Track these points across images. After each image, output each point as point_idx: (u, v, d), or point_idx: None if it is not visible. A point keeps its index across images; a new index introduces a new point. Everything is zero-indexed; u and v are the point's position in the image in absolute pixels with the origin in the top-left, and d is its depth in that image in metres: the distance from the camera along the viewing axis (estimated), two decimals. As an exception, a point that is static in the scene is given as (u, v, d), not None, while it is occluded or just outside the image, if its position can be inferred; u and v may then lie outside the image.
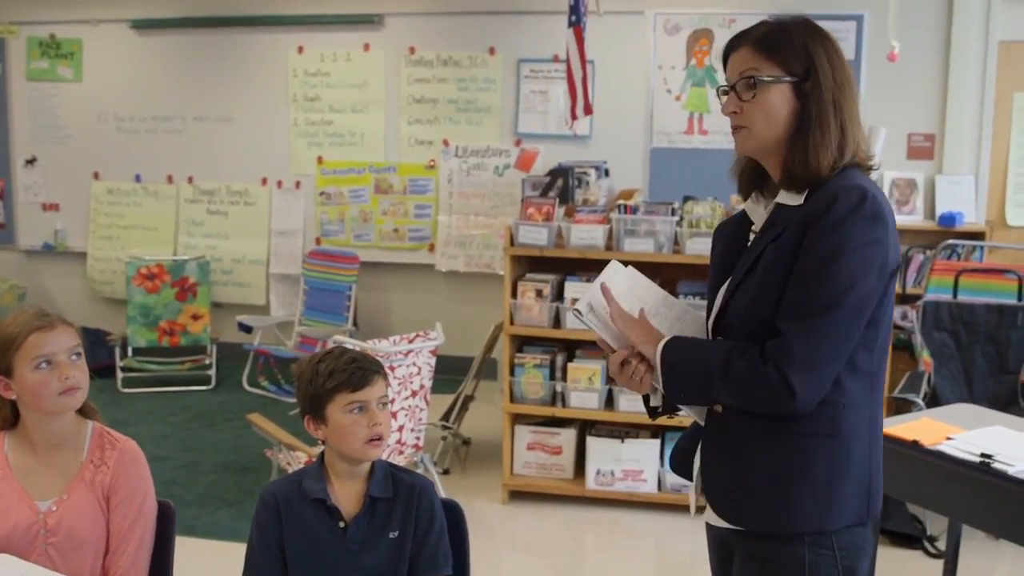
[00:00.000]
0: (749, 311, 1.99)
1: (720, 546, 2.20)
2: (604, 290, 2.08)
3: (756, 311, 1.97)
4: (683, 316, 2.18)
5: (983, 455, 2.98)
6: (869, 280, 1.91)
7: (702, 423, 2.14)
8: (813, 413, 1.95)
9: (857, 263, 1.89)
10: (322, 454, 2.40)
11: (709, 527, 2.20)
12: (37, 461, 2.43)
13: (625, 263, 2.18)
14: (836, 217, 1.89)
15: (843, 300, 1.89)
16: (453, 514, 2.48)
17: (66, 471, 2.43)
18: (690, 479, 2.25)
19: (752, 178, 2.14)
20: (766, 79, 1.98)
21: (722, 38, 6.67)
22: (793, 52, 1.98)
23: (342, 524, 2.31)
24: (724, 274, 2.14)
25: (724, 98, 2.06)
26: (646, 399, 2.20)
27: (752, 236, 2.12)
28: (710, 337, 2.11)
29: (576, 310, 2.07)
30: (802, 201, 1.97)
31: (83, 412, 2.50)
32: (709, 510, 2.16)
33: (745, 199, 2.18)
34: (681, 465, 2.28)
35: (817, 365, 1.90)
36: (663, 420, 2.28)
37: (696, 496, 2.18)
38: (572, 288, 4.88)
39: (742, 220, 2.18)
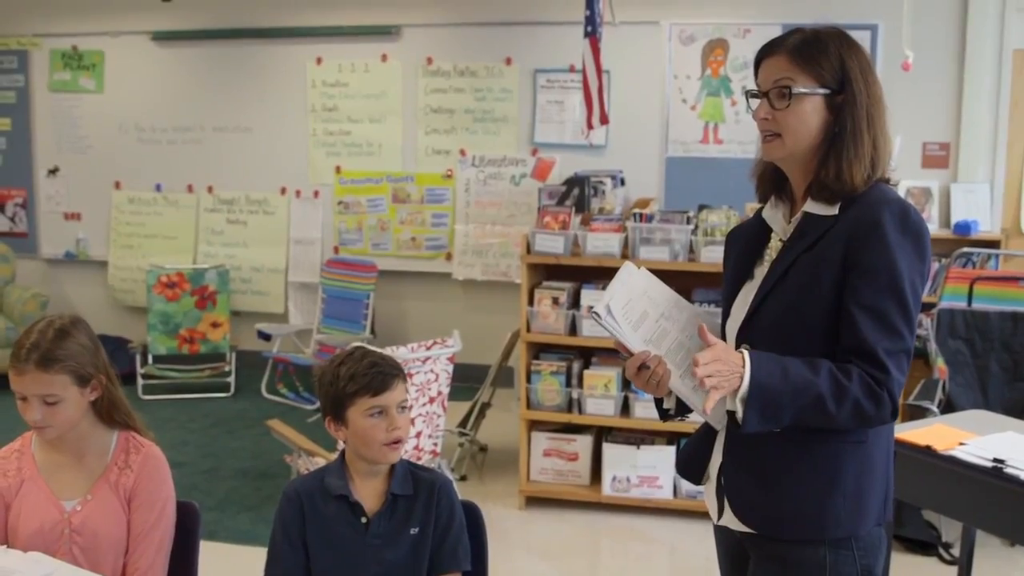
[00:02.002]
0: (782, 318, 2.00)
1: (734, 549, 2.21)
2: (702, 333, 1.97)
3: (790, 318, 1.99)
4: (694, 319, 2.17)
5: (995, 460, 3.01)
6: (919, 294, 1.97)
7: (719, 428, 2.15)
8: None
9: (915, 282, 1.95)
10: (343, 452, 2.44)
11: (721, 530, 2.21)
12: (63, 461, 2.49)
13: (651, 271, 2.19)
14: (893, 238, 1.92)
15: (912, 318, 1.95)
16: (472, 515, 2.52)
17: (91, 473, 2.48)
18: (697, 482, 2.26)
19: (771, 183, 2.16)
20: (802, 90, 1.99)
21: (737, 48, 6.71)
22: (829, 64, 2.00)
23: (364, 520, 2.35)
24: (740, 278, 2.17)
25: (753, 102, 2.07)
26: (659, 401, 2.20)
27: (774, 242, 2.13)
28: (732, 341, 2.10)
29: (595, 313, 2.04)
30: (836, 212, 2.00)
31: (106, 422, 2.53)
32: (713, 510, 2.18)
33: (763, 203, 2.20)
34: (688, 468, 2.28)
35: (903, 383, 1.95)
36: (679, 427, 2.29)
37: (715, 500, 2.18)
38: (588, 296, 4.92)
39: (757, 224, 2.19)
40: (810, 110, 2.00)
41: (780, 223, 2.13)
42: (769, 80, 2.03)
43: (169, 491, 2.55)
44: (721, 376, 1.89)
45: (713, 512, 2.21)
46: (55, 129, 8.16)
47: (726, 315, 2.19)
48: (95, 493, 2.46)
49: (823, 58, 2.00)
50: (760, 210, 2.22)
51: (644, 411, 4.87)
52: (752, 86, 2.12)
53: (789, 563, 2.05)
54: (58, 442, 2.47)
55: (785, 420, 1.93)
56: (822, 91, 2.00)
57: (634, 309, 2.08)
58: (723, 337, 2.18)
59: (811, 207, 2.05)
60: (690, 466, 2.27)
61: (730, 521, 2.12)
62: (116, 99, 8.02)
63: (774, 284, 2.03)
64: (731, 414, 2.06)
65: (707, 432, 2.23)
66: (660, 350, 2.06)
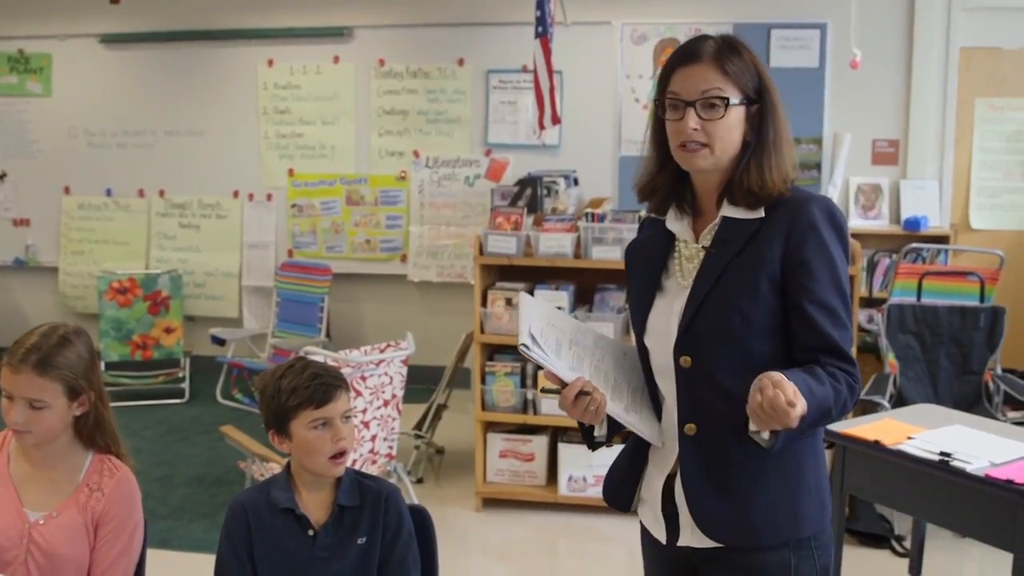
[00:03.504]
0: (725, 323, 1.96)
1: (678, 567, 2.14)
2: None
3: (734, 322, 1.95)
4: (599, 342, 2.14)
5: (942, 453, 3.05)
6: (849, 283, 2.01)
7: (658, 444, 2.09)
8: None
9: (847, 273, 1.99)
10: (288, 464, 2.42)
11: (662, 550, 2.13)
12: (34, 471, 2.44)
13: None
14: (827, 234, 1.95)
15: (850, 308, 1.99)
16: (421, 520, 2.51)
17: (61, 489, 2.44)
18: (626, 509, 2.19)
19: (670, 192, 2.10)
20: (735, 101, 1.97)
21: (688, 47, 6.73)
22: (748, 73, 1.99)
23: (311, 532, 2.33)
24: (651, 292, 2.11)
25: (670, 112, 2.00)
26: (587, 430, 2.13)
27: (688, 251, 2.08)
28: (672, 353, 2.03)
29: (523, 346, 1.93)
30: (761, 215, 1.99)
31: (85, 442, 2.48)
32: (662, 532, 2.11)
33: (658, 213, 2.14)
34: (617, 496, 2.22)
35: None
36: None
37: (662, 523, 2.11)
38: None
39: (658, 236, 2.14)
40: (735, 120, 1.98)
41: (688, 232, 2.09)
42: (695, 90, 1.97)
43: (139, 517, 2.52)
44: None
45: (660, 535, 2.13)
46: (2, 134, 8.03)
47: (641, 331, 2.12)
48: (61, 511, 2.41)
49: (744, 67, 1.99)
50: (652, 221, 2.18)
51: (599, 411, 4.87)
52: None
53: (754, 571, 2.02)
54: (32, 451, 2.43)
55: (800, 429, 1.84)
56: (746, 101, 1.99)
57: (548, 338, 2.01)
58: (643, 351, 2.12)
59: (731, 212, 2.02)
60: (619, 493, 2.21)
61: (691, 540, 2.05)
62: (65, 103, 7.91)
63: (708, 291, 1.99)
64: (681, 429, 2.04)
65: (633, 454, 2.18)
66: (584, 376, 2.00)
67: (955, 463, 3.00)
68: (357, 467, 2.55)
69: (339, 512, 2.35)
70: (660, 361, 2.08)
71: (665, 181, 2.10)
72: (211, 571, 2.41)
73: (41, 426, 2.37)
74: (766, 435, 1.85)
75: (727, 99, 1.96)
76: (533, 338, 1.94)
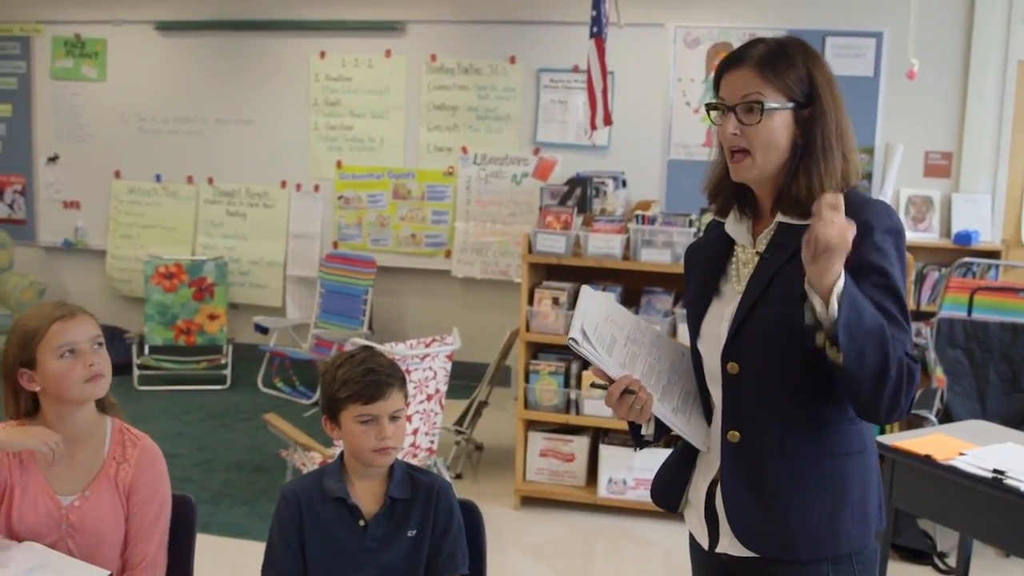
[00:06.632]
0: (772, 330, 1.93)
1: (720, 573, 2.13)
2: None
3: (780, 329, 1.92)
4: (657, 341, 2.13)
5: (995, 471, 3.00)
6: (906, 290, 1.94)
7: (704, 449, 2.08)
8: (844, 432, 1.96)
9: (904, 279, 1.92)
10: (342, 453, 2.43)
11: (706, 555, 2.13)
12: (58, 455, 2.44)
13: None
14: (881, 238, 1.89)
15: (908, 315, 1.91)
16: (471, 515, 2.50)
17: (88, 467, 2.45)
18: (674, 510, 2.19)
19: (732, 195, 2.08)
20: (773, 105, 1.93)
21: (742, 52, 6.70)
22: (796, 77, 1.94)
23: (362, 523, 2.33)
24: (707, 296, 2.10)
25: (715, 115, 2.00)
26: (635, 429, 2.13)
27: (744, 256, 2.06)
28: (720, 358, 2.02)
29: (571, 340, 1.94)
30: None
31: (102, 408, 2.51)
32: (705, 537, 2.10)
33: (721, 215, 2.13)
34: (665, 496, 2.21)
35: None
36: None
37: (704, 526, 2.10)
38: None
39: (718, 240, 2.12)
40: (779, 125, 1.94)
41: (747, 236, 2.07)
42: (736, 94, 1.95)
43: (167, 485, 2.54)
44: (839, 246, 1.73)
45: (702, 539, 2.12)
46: (56, 116, 8.15)
47: (695, 334, 2.11)
48: (94, 489, 2.42)
49: (791, 71, 1.94)
50: (715, 224, 2.16)
51: (642, 414, 4.85)
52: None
53: None
54: (57, 429, 2.41)
55: (860, 332, 1.76)
56: (791, 105, 1.94)
57: (603, 334, 2.00)
58: (696, 355, 2.11)
59: (785, 218, 1.99)
60: (667, 493, 2.20)
61: (729, 547, 2.04)
62: (118, 88, 8.00)
63: (758, 297, 1.97)
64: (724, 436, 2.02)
65: (682, 456, 2.17)
66: (635, 374, 2.00)
67: (1009, 481, 2.95)
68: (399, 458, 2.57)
69: (391, 504, 2.35)
70: (710, 366, 2.06)
71: (730, 184, 2.08)
72: (251, 556, 2.42)
73: (109, 365, 2.46)
74: (833, 307, 1.74)
75: (762, 103, 1.92)
76: (584, 333, 1.95)
